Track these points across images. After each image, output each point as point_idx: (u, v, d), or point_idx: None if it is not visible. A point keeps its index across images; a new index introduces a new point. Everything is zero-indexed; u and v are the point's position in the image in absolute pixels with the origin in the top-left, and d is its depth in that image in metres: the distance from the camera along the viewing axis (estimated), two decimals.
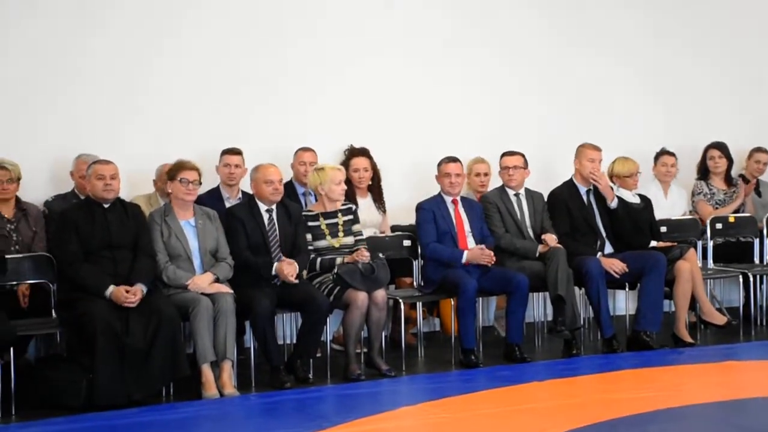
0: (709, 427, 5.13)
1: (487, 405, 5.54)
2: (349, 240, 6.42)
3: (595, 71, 8.25)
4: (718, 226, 7.64)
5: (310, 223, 6.38)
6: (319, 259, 6.32)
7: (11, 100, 6.63)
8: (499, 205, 6.90)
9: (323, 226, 6.40)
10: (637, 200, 7.28)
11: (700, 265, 7.25)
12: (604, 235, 7.01)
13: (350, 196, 6.82)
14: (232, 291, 5.96)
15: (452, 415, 5.29)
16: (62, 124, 6.74)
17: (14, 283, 6.00)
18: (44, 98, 6.71)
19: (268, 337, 5.95)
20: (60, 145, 6.66)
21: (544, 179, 7.41)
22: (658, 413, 5.22)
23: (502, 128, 7.85)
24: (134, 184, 6.67)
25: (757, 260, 7.65)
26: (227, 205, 6.60)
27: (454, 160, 6.78)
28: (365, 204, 7.07)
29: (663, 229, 7.44)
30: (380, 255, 6.43)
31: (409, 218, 6.98)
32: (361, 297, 6.12)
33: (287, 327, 6.69)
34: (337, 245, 6.38)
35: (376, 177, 7.20)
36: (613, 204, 6.93)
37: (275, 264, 6.04)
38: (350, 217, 6.48)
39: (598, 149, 7.05)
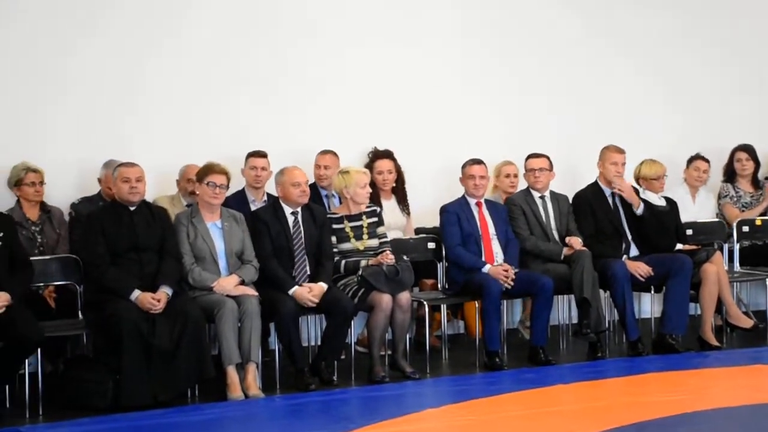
0: (735, 430, 5.11)
1: (512, 407, 5.53)
2: (374, 242, 6.42)
3: (622, 74, 8.21)
4: (745, 228, 7.58)
5: (335, 226, 6.39)
6: (343, 262, 6.33)
7: (36, 102, 6.67)
8: (524, 208, 6.88)
9: (348, 229, 6.40)
10: (662, 203, 7.25)
11: (726, 268, 7.20)
12: (629, 237, 6.98)
13: (374, 198, 6.83)
14: (257, 293, 5.98)
15: (477, 417, 5.28)
16: (85, 126, 6.78)
17: (41, 284, 6.05)
18: (69, 100, 6.75)
19: (293, 339, 5.97)
20: (84, 147, 6.71)
21: (569, 182, 7.39)
22: (684, 417, 5.19)
23: (526, 130, 7.83)
24: (157, 185, 6.69)
25: None
26: (252, 207, 6.62)
27: (479, 162, 6.78)
28: (389, 206, 7.08)
29: (689, 231, 7.41)
30: (404, 257, 6.43)
31: (434, 220, 6.98)
32: (386, 299, 6.12)
33: (312, 329, 6.70)
34: (361, 248, 6.39)
35: (400, 179, 7.21)
36: (640, 210, 6.89)
37: (295, 288, 6.03)
38: (375, 219, 6.48)
39: (621, 152, 7.03)
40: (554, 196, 7.00)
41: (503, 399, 5.70)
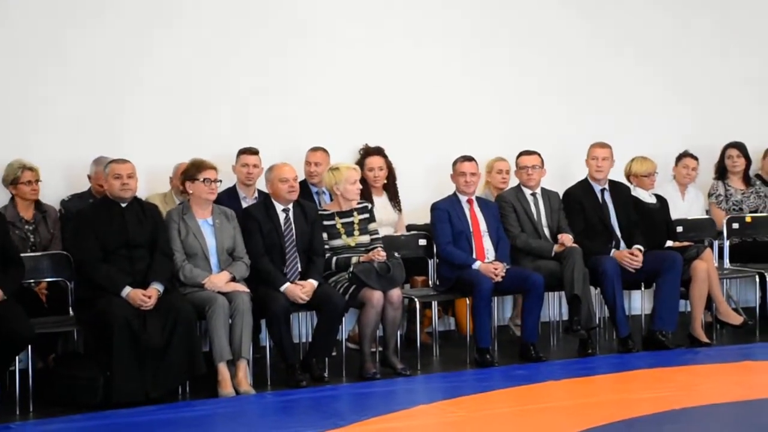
0: (725, 427, 5.13)
1: (503, 404, 5.55)
2: (365, 239, 6.43)
3: (613, 71, 8.22)
4: (735, 225, 7.61)
5: (326, 222, 6.39)
6: (334, 258, 6.34)
7: (25, 100, 6.66)
8: (515, 205, 6.89)
9: (339, 225, 6.41)
10: (653, 200, 7.29)
11: (716, 264, 7.23)
12: (618, 234, 7.00)
13: (365, 195, 6.83)
14: (248, 290, 5.98)
15: (467, 414, 5.30)
16: (76, 124, 6.77)
17: (32, 281, 6.04)
18: (58, 98, 6.74)
19: (284, 335, 5.98)
20: (73, 144, 6.70)
21: (559, 178, 7.41)
22: (674, 413, 5.22)
23: (518, 127, 7.84)
24: (149, 183, 6.68)
25: None
26: (244, 204, 6.62)
27: (470, 159, 6.78)
28: (381, 203, 7.08)
29: (679, 229, 7.43)
30: (396, 254, 6.44)
31: (425, 217, 6.99)
32: (377, 296, 6.13)
33: (303, 326, 6.71)
34: (352, 244, 6.40)
35: (391, 176, 7.22)
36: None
37: (286, 284, 6.04)
38: (366, 215, 6.49)
39: (603, 146, 7.04)
40: (545, 192, 7.01)
41: (494, 395, 5.72)
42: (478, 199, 6.88)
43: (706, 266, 6.93)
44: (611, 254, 6.83)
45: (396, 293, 6.23)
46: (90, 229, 5.77)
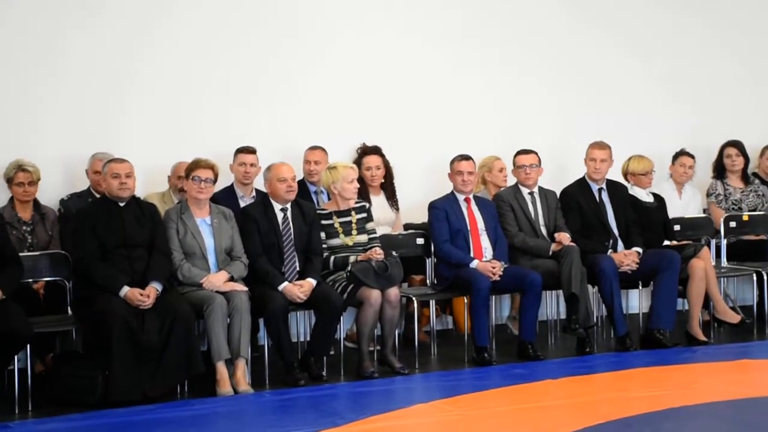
0: (722, 425, 5.13)
1: (501, 403, 5.56)
2: (363, 238, 6.44)
3: (611, 70, 8.24)
4: (732, 224, 7.62)
5: (324, 222, 6.40)
6: (332, 258, 6.34)
7: (24, 100, 6.66)
8: (512, 204, 6.90)
9: (337, 225, 6.42)
10: (650, 199, 7.29)
11: (713, 263, 7.24)
12: (616, 233, 7.01)
13: (363, 194, 6.84)
14: (246, 289, 5.98)
15: (465, 412, 5.30)
16: (75, 123, 6.78)
17: (30, 280, 6.04)
18: (57, 97, 6.75)
19: (282, 334, 5.98)
20: (73, 143, 6.70)
21: (556, 177, 7.42)
22: (672, 411, 5.22)
23: (515, 126, 7.85)
24: (147, 182, 6.68)
25: None
26: (242, 203, 6.63)
27: (467, 158, 6.79)
28: (378, 202, 7.09)
29: (676, 227, 7.45)
30: (393, 253, 6.44)
31: (423, 216, 6.99)
32: (375, 295, 6.14)
33: (301, 325, 6.71)
34: (350, 243, 6.40)
35: (388, 175, 7.22)
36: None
37: (285, 284, 6.05)
38: (364, 215, 6.49)
39: (602, 147, 7.04)
40: (543, 191, 7.02)
41: (492, 394, 5.73)
42: (476, 197, 6.88)
43: (704, 265, 6.94)
44: (608, 253, 6.83)
45: (394, 292, 6.23)
46: (88, 229, 5.77)
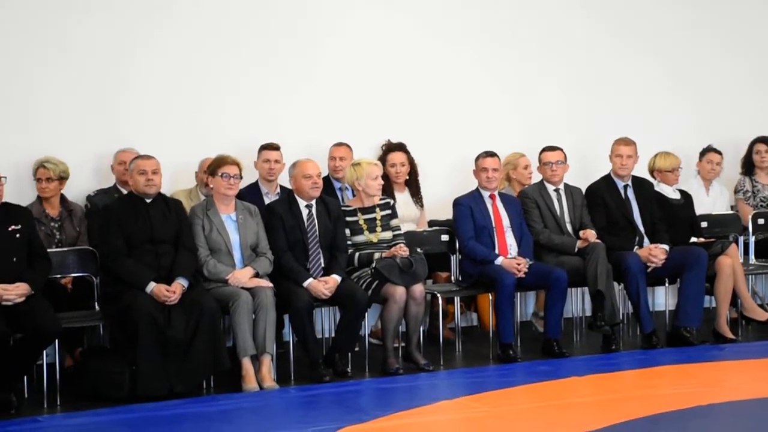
0: (749, 423, 5.09)
1: (526, 399, 5.55)
2: (387, 235, 6.44)
3: (636, 65, 8.20)
4: (760, 221, 7.55)
5: (348, 219, 6.40)
6: (357, 254, 6.35)
7: (51, 97, 6.71)
8: (538, 201, 6.88)
9: (361, 221, 6.42)
10: (677, 196, 7.25)
11: (741, 260, 7.18)
12: (642, 230, 6.97)
13: (388, 191, 6.84)
14: (271, 285, 6.00)
15: (490, 409, 5.30)
16: (104, 120, 6.82)
17: (58, 276, 6.09)
18: (88, 95, 6.79)
19: (307, 331, 6.00)
20: (102, 140, 6.74)
21: (582, 174, 7.39)
22: (699, 409, 5.19)
23: (540, 122, 7.83)
24: (174, 179, 6.72)
25: None
26: (266, 200, 6.65)
27: (492, 154, 6.77)
28: (403, 199, 7.09)
29: (704, 224, 7.40)
30: (418, 250, 6.44)
31: (447, 213, 6.99)
32: (399, 291, 6.14)
33: (326, 321, 6.73)
34: (375, 240, 6.41)
35: (413, 172, 7.22)
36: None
37: (310, 280, 6.06)
38: (388, 212, 6.49)
39: (628, 143, 7.00)
40: (568, 188, 7.00)
41: (517, 391, 5.72)
42: (501, 194, 6.87)
43: (731, 262, 6.89)
44: (635, 250, 6.80)
45: (418, 289, 6.23)
46: (115, 225, 5.81)
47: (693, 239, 7.13)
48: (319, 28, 7.43)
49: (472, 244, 6.62)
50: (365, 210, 6.45)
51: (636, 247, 6.86)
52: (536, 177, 7.23)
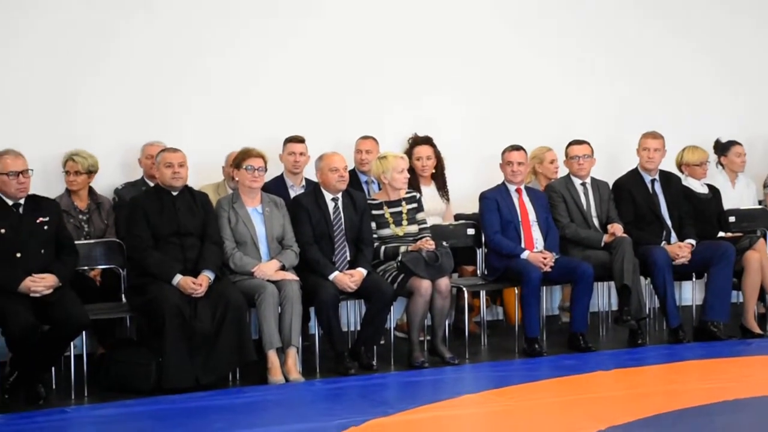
0: None
1: (551, 394, 5.53)
2: (413, 228, 6.44)
3: (664, 60, 8.15)
4: None
5: (374, 212, 6.41)
6: (383, 248, 6.36)
7: (81, 91, 6.74)
8: (564, 195, 6.85)
9: (387, 215, 6.43)
10: (705, 190, 7.20)
11: None
12: (669, 224, 6.93)
13: (414, 184, 6.84)
14: (297, 278, 6.02)
15: (516, 403, 5.29)
16: (129, 114, 6.85)
17: (86, 268, 6.14)
18: (113, 88, 6.82)
19: (333, 324, 6.01)
20: (128, 134, 6.77)
21: (610, 169, 7.35)
22: (725, 404, 5.16)
23: (566, 117, 7.79)
24: (200, 173, 6.74)
25: None
26: (292, 193, 6.67)
27: (518, 148, 6.75)
28: (429, 192, 7.08)
29: (731, 219, 7.35)
30: (444, 243, 6.44)
31: (473, 207, 6.98)
32: (425, 285, 6.14)
33: (351, 314, 6.74)
34: (401, 233, 6.41)
35: (439, 165, 7.21)
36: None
37: (335, 273, 6.08)
38: (414, 205, 6.49)
39: (655, 137, 6.97)
40: (595, 182, 6.96)
41: (542, 385, 5.70)
42: (528, 188, 6.85)
43: (759, 257, 6.84)
44: (662, 245, 6.76)
45: (444, 282, 6.23)
46: (142, 217, 5.85)
47: (720, 234, 7.08)
48: (346, 21, 7.42)
49: (498, 238, 6.60)
50: (391, 203, 6.45)
51: (663, 241, 6.81)
52: (563, 171, 7.19)
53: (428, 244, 6.24)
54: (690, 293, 7.39)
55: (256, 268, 5.99)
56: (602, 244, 6.70)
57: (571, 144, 6.97)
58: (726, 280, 6.71)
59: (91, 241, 6.21)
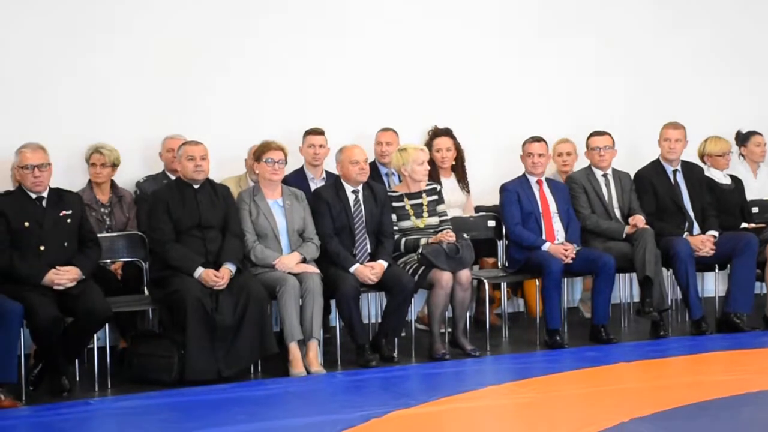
0: None
1: (573, 385, 5.51)
2: (434, 220, 6.43)
3: (684, 50, 8.10)
4: None
5: (395, 204, 6.41)
6: (403, 240, 6.35)
7: (103, 85, 6.77)
8: (585, 186, 6.83)
9: (408, 207, 6.42)
10: (727, 181, 7.15)
11: None
12: (692, 215, 6.89)
13: (434, 176, 6.83)
14: (318, 271, 6.03)
15: (538, 395, 5.27)
16: (151, 107, 6.87)
17: (108, 261, 6.17)
18: (134, 81, 6.84)
19: (354, 316, 6.01)
20: (149, 127, 6.79)
21: (631, 160, 7.32)
22: (749, 396, 5.12)
23: (587, 108, 7.76)
24: (220, 166, 6.76)
25: None
26: (312, 185, 6.67)
27: (539, 140, 6.73)
28: (449, 184, 7.07)
29: (754, 210, 7.30)
30: (464, 235, 6.43)
31: (494, 199, 6.96)
32: (446, 277, 6.13)
33: (372, 307, 6.75)
34: (421, 225, 6.40)
35: (459, 157, 7.20)
36: None
37: (356, 266, 6.08)
38: (435, 197, 6.48)
39: (676, 127, 6.93)
40: (616, 173, 6.93)
41: (564, 377, 5.68)
42: (548, 180, 6.82)
43: None
44: (684, 236, 6.72)
45: (465, 274, 6.22)
46: (164, 211, 5.87)
47: (743, 225, 7.03)
48: (364, 13, 7.41)
49: (519, 229, 6.59)
50: (412, 195, 6.44)
51: (685, 233, 6.78)
52: (581, 162, 7.16)
53: (449, 236, 6.24)
54: (713, 284, 7.35)
55: (278, 261, 6.00)
56: (624, 235, 6.68)
57: (592, 135, 6.94)
58: (749, 271, 6.67)
59: (113, 234, 6.24)
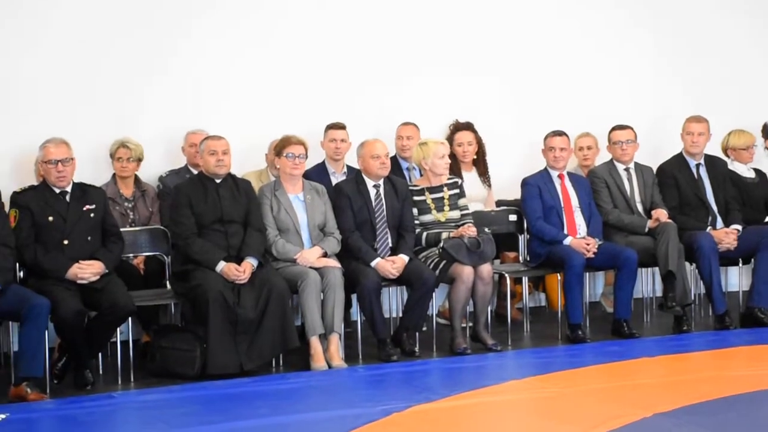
0: None
1: (596, 380, 5.50)
2: (455, 214, 6.42)
3: (709, 42, 8.04)
4: None
5: (416, 198, 6.40)
6: (424, 234, 6.35)
7: (127, 80, 6.79)
8: (607, 180, 6.80)
9: (429, 201, 6.42)
10: (751, 174, 7.10)
11: None
12: (715, 209, 6.85)
13: (455, 170, 6.82)
14: (340, 265, 6.03)
15: (559, 389, 5.26)
16: (174, 102, 6.89)
17: (131, 255, 6.21)
18: (157, 77, 6.86)
19: (375, 310, 6.02)
20: (172, 122, 6.81)
21: (654, 154, 7.28)
22: None
23: (609, 102, 7.72)
24: (242, 161, 6.77)
25: None
26: (333, 179, 6.68)
27: (560, 134, 6.71)
28: (470, 178, 7.06)
29: None
30: (486, 229, 6.41)
31: (515, 193, 6.94)
32: (467, 271, 6.12)
33: (393, 301, 6.75)
34: (443, 219, 6.40)
35: (480, 151, 7.18)
36: None
37: (377, 260, 6.08)
38: (456, 191, 6.47)
39: (699, 121, 6.89)
40: (639, 167, 6.90)
41: (586, 371, 5.67)
42: (570, 174, 6.80)
43: None
44: (707, 230, 6.68)
45: (486, 269, 6.21)
46: (186, 205, 5.89)
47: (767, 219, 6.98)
48: (386, 7, 7.40)
49: (541, 224, 6.57)
50: (433, 189, 6.44)
51: (709, 227, 6.73)
52: (603, 156, 7.12)
53: (470, 230, 6.23)
54: (736, 279, 7.30)
55: (299, 255, 6.01)
56: (646, 229, 6.64)
57: (614, 129, 6.91)
58: None
59: (137, 228, 6.28)
